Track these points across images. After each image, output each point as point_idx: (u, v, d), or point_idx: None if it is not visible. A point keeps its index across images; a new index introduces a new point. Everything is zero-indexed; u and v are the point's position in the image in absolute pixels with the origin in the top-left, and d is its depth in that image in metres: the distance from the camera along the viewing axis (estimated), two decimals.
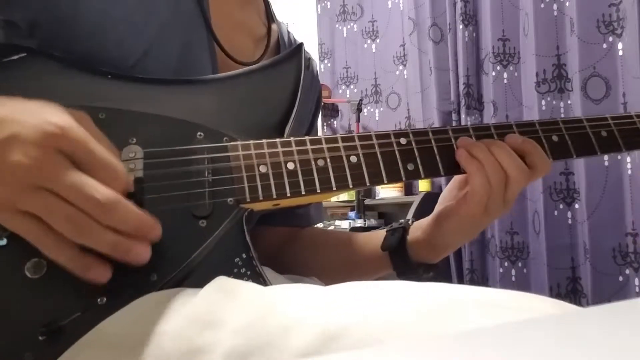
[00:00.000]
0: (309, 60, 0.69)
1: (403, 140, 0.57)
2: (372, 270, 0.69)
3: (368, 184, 0.55)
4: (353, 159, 0.55)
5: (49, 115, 0.41)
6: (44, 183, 0.40)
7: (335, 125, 3.07)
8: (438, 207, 0.65)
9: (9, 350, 0.41)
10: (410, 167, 0.56)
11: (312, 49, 2.74)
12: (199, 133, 0.52)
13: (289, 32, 0.79)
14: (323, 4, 3.05)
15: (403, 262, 0.65)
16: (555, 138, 0.60)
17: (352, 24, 2.92)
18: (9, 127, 0.40)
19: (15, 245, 0.43)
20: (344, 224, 2.54)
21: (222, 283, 0.44)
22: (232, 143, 0.52)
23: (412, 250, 0.65)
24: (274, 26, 0.75)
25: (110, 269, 0.43)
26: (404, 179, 0.56)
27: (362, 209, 2.66)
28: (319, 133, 3.07)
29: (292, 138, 0.55)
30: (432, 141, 0.58)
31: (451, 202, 0.62)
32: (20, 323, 0.42)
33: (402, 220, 0.68)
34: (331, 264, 0.71)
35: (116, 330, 0.40)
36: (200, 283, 0.44)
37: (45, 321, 0.41)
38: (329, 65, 3.03)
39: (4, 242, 0.44)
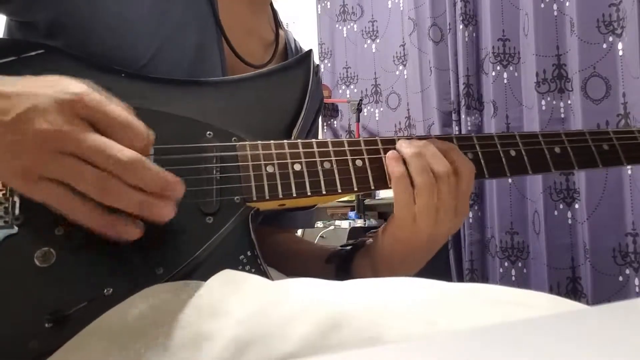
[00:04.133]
0: (317, 66, 0.70)
1: None
2: None
3: (373, 188, 0.56)
4: (359, 162, 0.55)
5: (64, 84, 0.42)
6: (67, 148, 0.40)
7: (335, 125, 3.07)
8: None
9: (16, 336, 0.41)
10: None
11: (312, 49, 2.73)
12: (208, 132, 0.53)
13: (295, 40, 0.81)
14: (323, 4, 3.04)
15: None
16: (557, 150, 0.61)
17: (352, 24, 2.92)
18: (27, 100, 0.41)
19: (26, 233, 0.44)
20: (344, 224, 2.54)
21: (228, 275, 0.45)
22: (240, 143, 0.53)
23: (357, 272, 0.63)
24: (281, 32, 0.76)
25: (141, 227, 0.43)
26: None
27: (362, 209, 2.66)
28: (319, 134, 3.07)
29: (299, 140, 0.55)
30: None
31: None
32: (27, 310, 0.42)
33: (360, 239, 0.65)
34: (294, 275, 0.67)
35: (121, 319, 0.41)
36: (205, 279, 0.44)
37: (52, 309, 0.42)
38: (329, 65, 3.03)
39: (14, 230, 0.44)
